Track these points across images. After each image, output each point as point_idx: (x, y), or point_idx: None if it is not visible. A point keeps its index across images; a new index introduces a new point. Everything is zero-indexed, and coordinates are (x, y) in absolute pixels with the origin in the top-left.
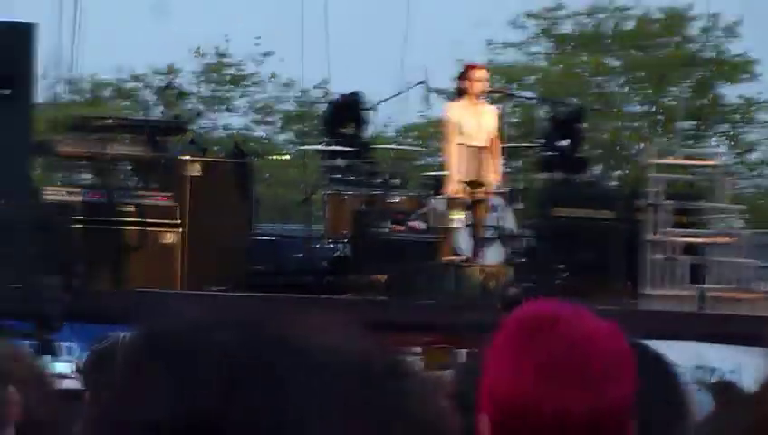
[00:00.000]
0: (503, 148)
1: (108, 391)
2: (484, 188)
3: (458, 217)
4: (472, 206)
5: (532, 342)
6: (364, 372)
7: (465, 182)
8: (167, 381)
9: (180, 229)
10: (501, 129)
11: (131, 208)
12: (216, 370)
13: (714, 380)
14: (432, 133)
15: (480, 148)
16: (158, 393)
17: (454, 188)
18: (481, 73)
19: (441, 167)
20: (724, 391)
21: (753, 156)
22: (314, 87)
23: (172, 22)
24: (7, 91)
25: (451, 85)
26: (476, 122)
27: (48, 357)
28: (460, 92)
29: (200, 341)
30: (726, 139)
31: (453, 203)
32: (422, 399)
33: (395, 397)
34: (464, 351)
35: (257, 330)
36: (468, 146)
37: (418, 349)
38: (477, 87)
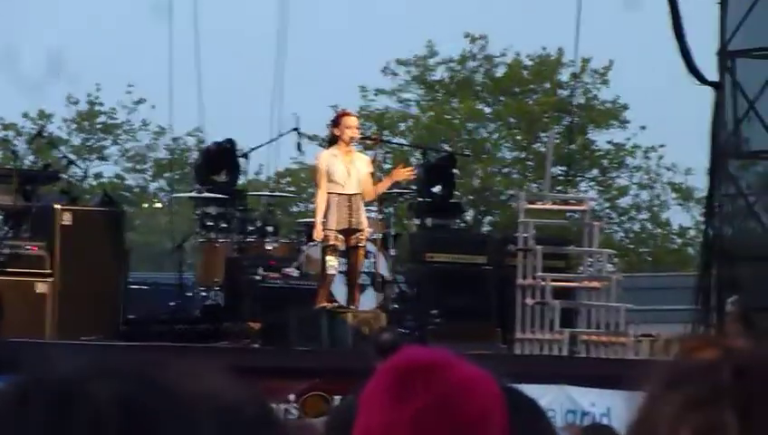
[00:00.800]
0: (378, 197)
1: None
2: (357, 235)
3: (332, 264)
4: (347, 252)
5: (407, 389)
6: (237, 418)
7: (338, 230)
8: (41, 429)
9: (52, 278)
10: (373, 175)
11: (1, 258)
12: (91, 419)
13: (586, 423)
14: (305, 179)
15: (351, 195)
16: None
17: (319, 234)
18: (352, 120)
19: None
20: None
21: (623, 201)
22: (187, 134)
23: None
24: None
25: (323, 132)
26: (347, 169)
27: None
28: (332, 140)
29: (75, 389)
30: (596, 184)
31: (327, 249)
32: None
33: None
34: (338, 398)
35: (132, 377)
36: (339, 194)
37: (293, 396)
38: (348, 134)
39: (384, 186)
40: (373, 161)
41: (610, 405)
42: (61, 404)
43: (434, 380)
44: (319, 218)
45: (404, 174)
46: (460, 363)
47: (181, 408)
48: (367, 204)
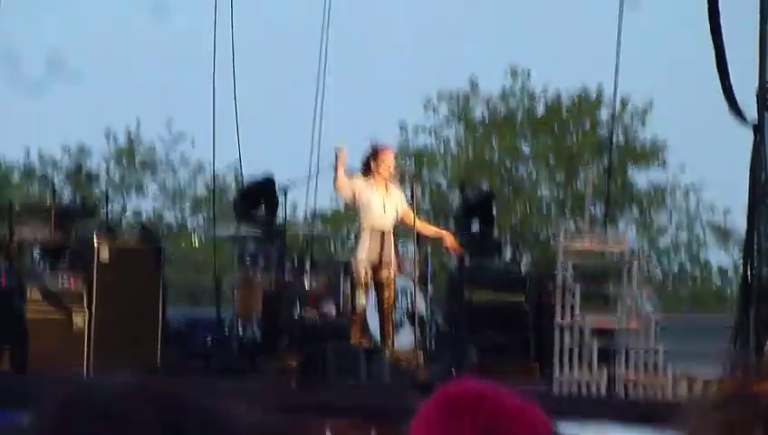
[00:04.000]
0: (415, 233)
1: None
2: (386, 271)
3: (362, 300)
4: (376, 288)
5: (455, 419)
6: None
7: (368, 263)
8: None
9: (89, 313)
10: (412, 210)
11: (39, 293)
12: None
13: None
14: (343, 216)
15: (384, 229)
16: None
17: (356, 268)
18: (389, 155)
19: (351, 250)
20: None
21: (662, 240)
22: (225, 168)
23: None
24: None
25: (361, 167)
26: (383, 203)
27: None
28: (367, 174)
29: (120, 414)
30: (635, 223)
31: (356, 285)
32: None
33: None
34: None
35: (175, 404)
36: (373, 227)
37: (330, 433)
38: (385, 168)
39: (430, 231)
40: (412, 199)
41: None
42: (106, 430)
43: (482, 410)
44: (358, 252)
45: (452, 247)
46: (508, 395)
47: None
48: (402, 241)
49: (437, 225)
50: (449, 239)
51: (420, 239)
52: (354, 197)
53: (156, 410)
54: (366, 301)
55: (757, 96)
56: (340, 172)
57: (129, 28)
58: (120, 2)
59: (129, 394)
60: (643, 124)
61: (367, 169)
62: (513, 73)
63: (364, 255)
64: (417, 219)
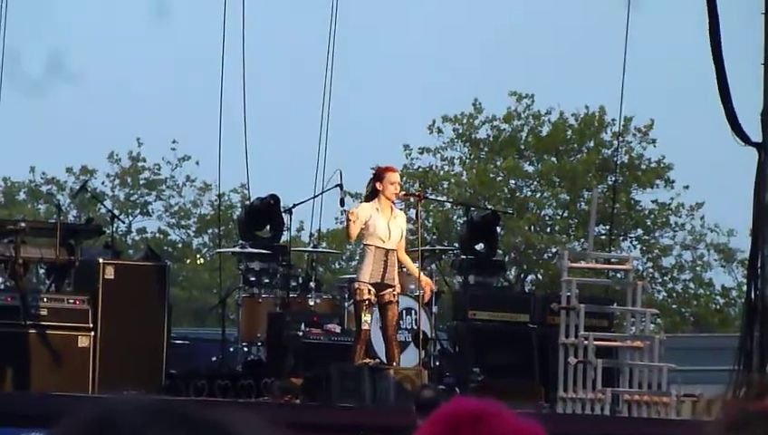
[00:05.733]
0: (420, 252)
1: None
2: (389, 291)
3: (366, 319)
4: (379, 308)
5: None
6: None
7: (371, 284)
8: None
9: (94, 332)
10: (417, 232)
11: (44, 312)
12: None
13: None
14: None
15: (389, 250)
16: None
17: (360, 288)
18: (395, 176)
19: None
20: None
21: (666, 261)
22: (231, 190)
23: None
24: None
25: (366, 189)
26: (388, 225)
27: None
28: (370, 195)
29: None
30: (639, 243)
31: (361, 305)
32: None
33: None
34: None
35: (195, 424)
36: (377, 247)
37: None
38: (391, 190)
39: (409, 266)
40: (416, 218)
41: None
42: None
43: (482, 428)
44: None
45: (427, 289)
46: (509, 414)
47: None
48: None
49: (441, 245)
50: (424, 280)
51: (425, 259)
52: (363, 227)
53: (184, 432)
54: (370, 321)
55: (762, 117)
56: (354, 231)
57: (133, 36)
58: (128, 12)
59: (156, 415)
60: (648, 143)
61: (373, 192)
62: (519, 97)
63: (368, 275)
64: (402, 250)
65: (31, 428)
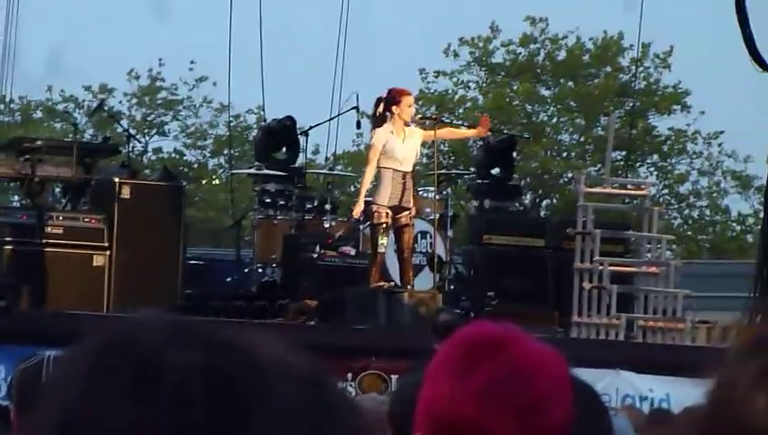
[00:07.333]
0: (437, 175)
1: (55, 400)
2: (405, 214)
3: (383, 242)
4: (395, 231)
5: (474, 362)
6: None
7: (388, 207)
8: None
9: (110, 251)
10: (434, 156)
11: (60, 230)
12: (177, 387)
13: (645, 407)
14: (361, 160)
15: (406, 172)
16: (120, 405)
17: (359, 211)
18: (410, 99)
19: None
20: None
21: (682, 187)
22: (247, 112)
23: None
24: None
25: (375, 110)
26: (404, 147)
27: None
28: (382, 117)
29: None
30: (656, 169)
31: (378, 228)
32: (361, 415)
33: (345, 413)
34: (396, 377)
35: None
36: (395, 170)
37: (350, 375)
38: (407, 112)
39: (463, 135)
40: (433, 143)
41: (669, 391)
42: (146, 372)
43: (501, 354)
44: (362, 196)
45: (486, 127)
46: (529, 340)
47: (263, 375)
48: (423, 184)
49: (457, 169)
50: (483, 124)
51: (441, 183)
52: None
53: (201, 355)
54: (386, 244)
55: None
56: (374, 158)
57: None
58: None
59: (172, 337)
60: (665, 69)
61: (383, 116)
62: (533, 22)
63: (386, 198)
64: (444, 127)
65: (47, 345)
